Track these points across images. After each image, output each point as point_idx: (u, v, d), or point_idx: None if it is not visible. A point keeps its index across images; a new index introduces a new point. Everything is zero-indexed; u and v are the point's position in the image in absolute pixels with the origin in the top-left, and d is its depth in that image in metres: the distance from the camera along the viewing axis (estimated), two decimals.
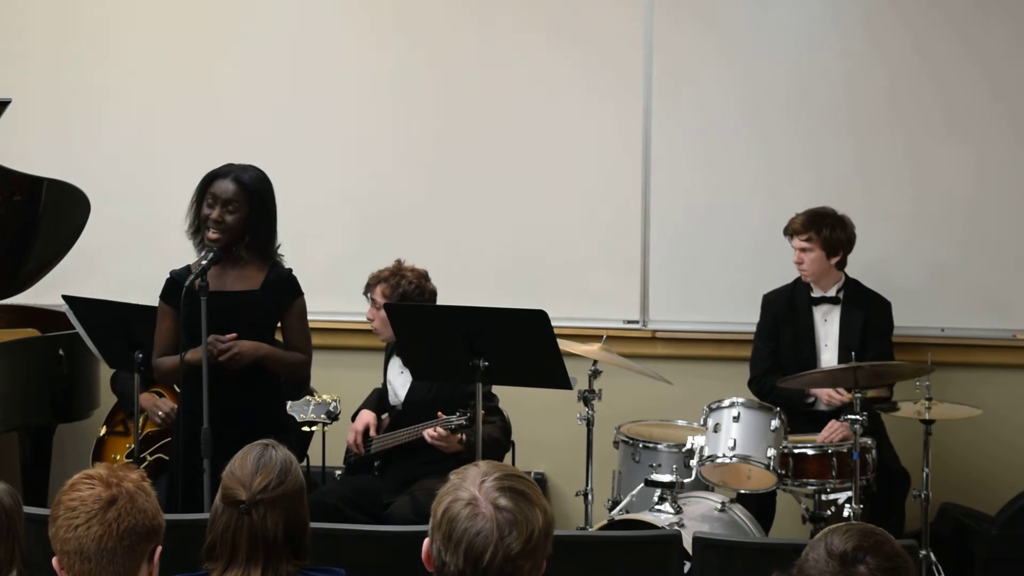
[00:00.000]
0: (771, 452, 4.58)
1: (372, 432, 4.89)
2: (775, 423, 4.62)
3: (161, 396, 5.21)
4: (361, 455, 4.88)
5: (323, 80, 5.88)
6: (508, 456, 5.06)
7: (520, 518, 2.11)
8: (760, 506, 4.89)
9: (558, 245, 5.74)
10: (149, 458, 5.15)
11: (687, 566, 3.68)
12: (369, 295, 4.91)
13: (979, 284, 5.50)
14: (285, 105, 5.89)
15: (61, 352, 5.31)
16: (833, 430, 4.79)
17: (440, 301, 4.89)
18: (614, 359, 4.84)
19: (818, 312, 5.16)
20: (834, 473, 4.68)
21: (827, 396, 4.98)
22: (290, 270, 4.27)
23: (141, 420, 5.09)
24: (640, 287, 5.71)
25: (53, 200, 5.38)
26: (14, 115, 5.11)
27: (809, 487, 4.75)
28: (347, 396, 5.12)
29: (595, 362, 4.80)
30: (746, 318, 5.38)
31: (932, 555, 4.73)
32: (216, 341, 4.09)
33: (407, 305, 4.69)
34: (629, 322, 5.71)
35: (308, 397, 4.99)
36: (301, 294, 4.28)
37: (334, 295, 5.40)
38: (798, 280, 5.20)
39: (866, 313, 5.11)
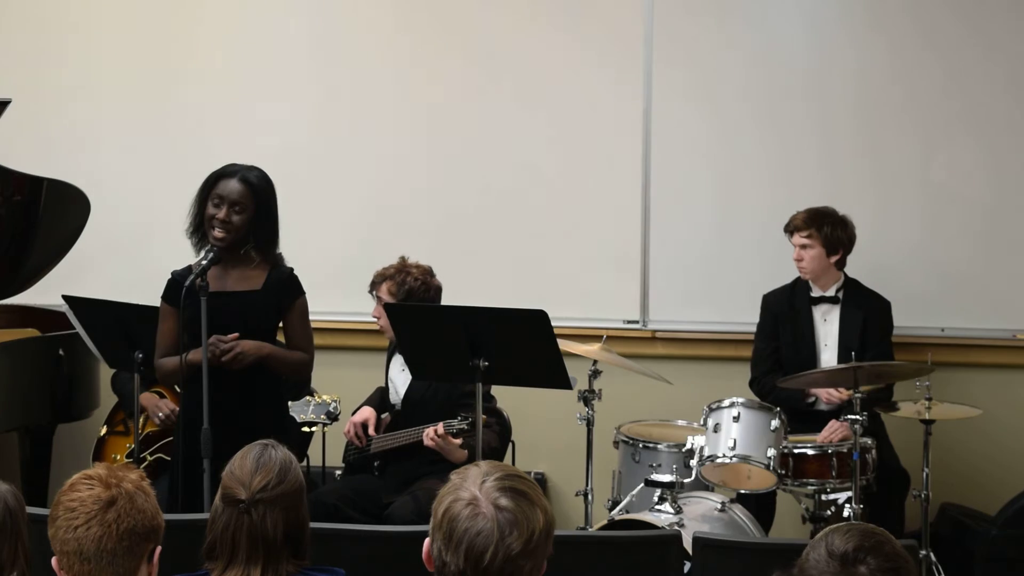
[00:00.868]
0: (771, 452, 4.58)
1: (371, 430, 4.89)
2: (775, 423, 4.62)
3: (162, 397, 5.21)
4: (360, 446, 4.87)
5: (326, 80, 5.88)
6: (508, 456, 5.07)
7: (521, 518, 2.11)
8: (760, 506, 4.89)
9: (558, 245, 5.75)
10: (149, 458, 5.15)
11: (687, 566, 3.67)
12: (375, 293, 4.91)
13: (979, 284, 5.51)
14: (288, 105, 5.89)
15: (61, 352, 5.31)
16: (833, 430, 4.79)
17: (441, 301, 4.89)
18: (614, 359, 4.84)
19: (818, 312, 5.16)
20: (834, 473, 4.68)
21: (826, 395, 4.98)
22: (291, 270, 4.27)
23: (141, 420, 5.09)
24: (640, 287, 5.72)
25: (53, 200, 5.38)
26: (14, 115, 5.11)
27: (809, 487, 4.74)
28: (348, 396, 5.13)
29: (595, 362, 4.79)
30: (746, 318, 5.39)
31: (932, 555, 4.73)
32: (218, 341, 4.09)
33: (407, 305, 4.69)
34: (629, 322, 5.71)
35: (308, 397, 4.99)
36: (303, 293, 4.27)
37: (335, 295, 5.40)
38: (798, 280, 5.20)
39: (866, 313, 5.11)
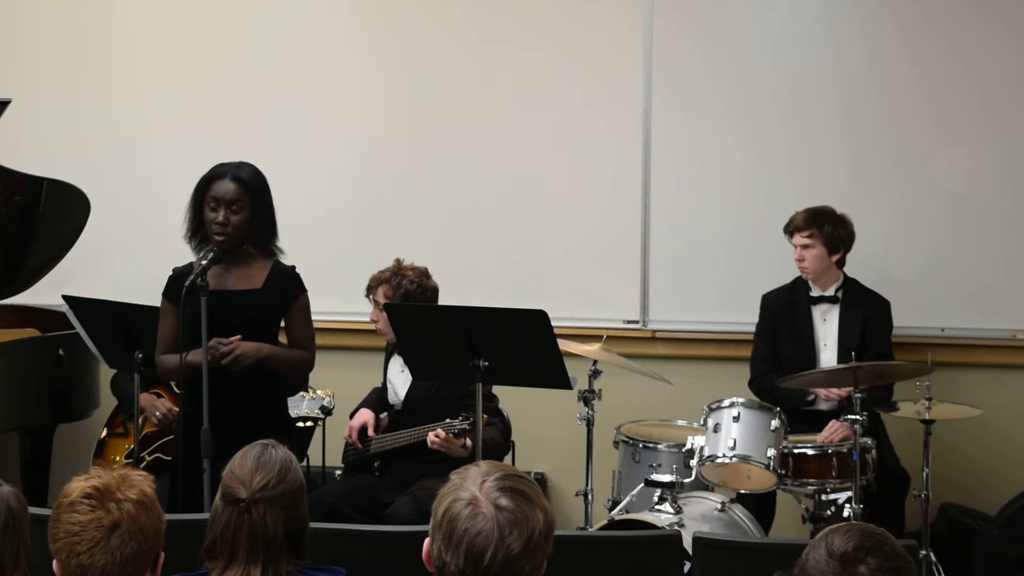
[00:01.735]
0: (771, 452, 4.58)
1: (370, 431, 4.89)
2: (775, 423, 4.62)
3: (160, 397, 5.21)
4: (359, 450, 4.88)
5: (325, 81, 5.88)
6: (508, 456, 5.07)
7: (521, 518, 2.11)
8: (760, 506, 4.89)
9: (558, 245, 5.75)
10: (148, 458, 5.15)
11: (687, 566, 3.68)
12: (371, 297, 4.91)
13: (979, 284, 5.51)
14: (287, 105, 5.89)
15: (61, 352, 5.31)
16: (833, 430, 4.79)
17: (440, 301, 4.89)
18: (614, 359, 4.84)
19: (817, 311, 5.16)
20: (834, 473, 4.68)
21: (825, 393, 4.98)
22: (293, 267, 4.26)
23: (141, 420, 5.09)
24: (640, 287, 5.72)
25: (53, 200, 5.38)
26: (15, 115, 5.11)
27: (809, 487, 4.74)
28: (346, 396, 5.13)
29: (595, 362, 4.79)
30: (746, 318, 5.39)
31: (932, 555, 4.73)
32: (218, 344, 4.08)
33: (407, 305, 4.69)
34: (629, 322, 5.71)
35: (303, 393, 5.01)
36: (304, 291, 4.26)
37: (332, 295, 5.39)
38: (797, 280, 5.20)
39: (865, 312, 5.11)
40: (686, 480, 4.59)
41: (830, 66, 5.55)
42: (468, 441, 4.58)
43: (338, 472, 5.00)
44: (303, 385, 5.03)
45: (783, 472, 4.65)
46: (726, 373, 5.50)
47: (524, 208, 5.77)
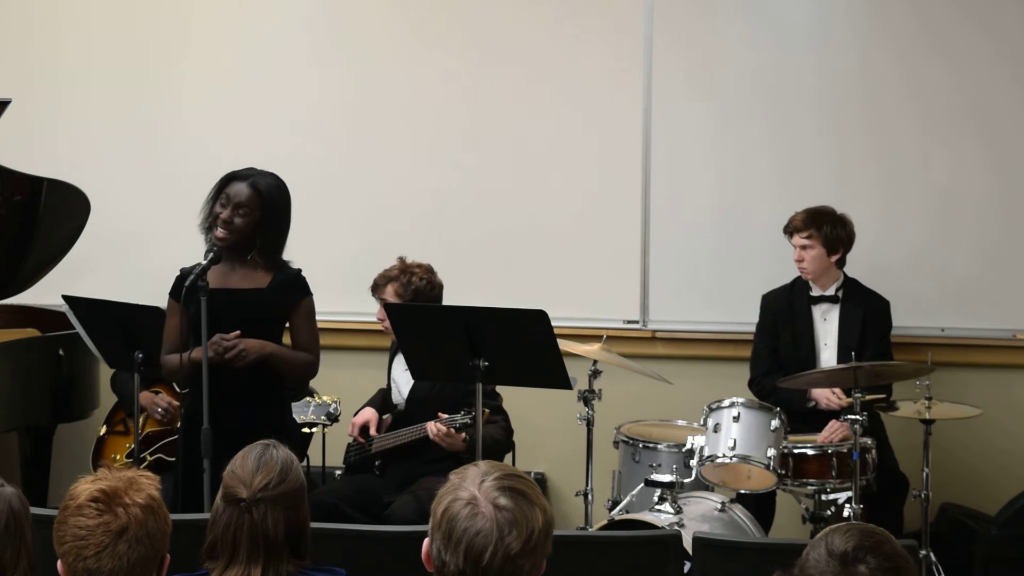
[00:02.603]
0: (771, 452, 4.58)
1: (372, 430, 4.89)
2: (775, 423, 4.62)
3: (158, 394, 5.20)
4: (361, 444, 4.88)
5: (330, 82, 5.88)
6: (508, 456, 5.07)
7: (520, 517, 2.11)
8: (760, 506, 4.89)
9: (558, 245, 5.75)
10: (149, 458, 5.16)
11: (687, 566, 3.68)
12: (378, 296, 4.91)
13: (979, 284, 5.51)
14: (290, 106, 5.90)
15: (61, 352, 5.31)
16: (833, 430, 4.79)
17: (443, 299, 4.90)
18: (614, 359, 4.84)
19: (817, 311, 5.16)
20: (834, 473, 4.68)
21: (825, 400, 4.97)
22: (299, 270, 4.25)
23: (141, 419, 5.09)
24: (640, 287, 5.72)
25: (53, 200, 5.38)
26: (15, 114, 5.12)
27: (809, 487, 4.74)
28: (350, 396, 5.13)
29: (595, 362, 4.79)
30: (746, 318, 5.39)
31: (932, 555, 4.73)
32: (221, 340, 4.09)
33: (407, 305, 4.69)
34: (629, 322, 5.71)
35: (308, 398, 4.99)
36: (309, 294, 4.26)
37: (336, 295, 5.39)
38: (797, 279, 5.20)
39: (865, 312, 5.11)
40: (686, 480, 4.59)
41: (844, 65, 5.54)
42: (467, 435, 4.58)
43: (338, 472, 5.00)
44: (307, 389, 5.02)
45: (783, 472, 4.65)
46: (726, 373, 5.50)
47: (524, 208, 5.77)
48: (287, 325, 4.29)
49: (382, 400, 5.06)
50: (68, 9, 6.04)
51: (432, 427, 4.63)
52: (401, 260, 4.93)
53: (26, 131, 5.77)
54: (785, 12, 5.62)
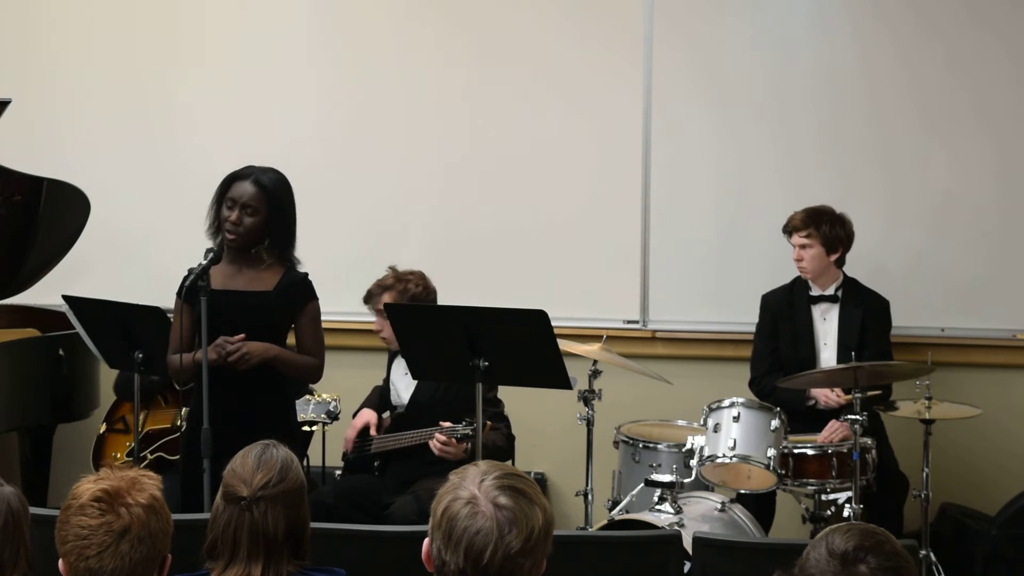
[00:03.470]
0: (771, 452, 4.58)
1: (372, 431, 4.89)
2: (775, 423, 4.62)
3: (165, 403, 5.20)
4: (358, 449, 4.87)
5: (330, 83, 5.89)
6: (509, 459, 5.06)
7: (520, 516, 2.11)
8: (760, 506, 4.89)
9: (558, 245, 5.74)
10: (150, 456, 5.16)
11: (687, 566, 3.68)
12: (372, 306, 4.90)
13: (979, 284, 5.50)
14: (289, 106, 5.90)
15: (61, 352, 5.31)
16: (833, 430, 4.79)
17: (440, 301, 4.89)
18: (614, 359, 4.84)
19: (817, 311, 5.16)
20: (834, 473, 4.68)
21: (824, 398, 4.98)
22: (306, 274, 4.27)
23: (141, 418, 5.09)
24: (640, 287, 5.72)
25: (53, 200, 5.38)
26: (15, 114, 5.11)
27: (809, 487, 4.74)
28: (348, 396, 5.13)
29: (595, 362, 4.79)
30: (746, 318, 5.39)
31: (932, 555, 4.73)
32: (225, 342, 4.09)
33: (407, 305, 4.69)
34: (629, 322, 5.71)
35: (308, 396, 5.00)
36: (315, 298, 4.27)
37: (336, 295, 5.35)
38: (796, 279, 5.20)
39: (865, 312, 5.11)
40: (686, 480, 4.59)
41: (844, 64, 5.54)
42: (469, 445, 4.58)
43: (338, 472, 4.99)
44: (307, 388, 5.02)
45: (783, 472, 4.65)
46: (726, 373, 5.50)
47: (524, 208, 5.77)
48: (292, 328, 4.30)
49: (379, 398, 5.05)
50: (69, 9, 6.04)
51: (434, 444, 4.61)
52: (393, 269, 4.92)
53: (26, 131, 5.77)
54: (785, 12, 5.62)
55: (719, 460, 4.62)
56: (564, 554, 2.39)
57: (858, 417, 4.50)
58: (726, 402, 4.70)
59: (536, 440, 5.57)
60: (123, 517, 2.38)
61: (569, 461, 5.42)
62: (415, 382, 4.80)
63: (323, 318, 4.41)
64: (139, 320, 4.46)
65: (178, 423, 5.05)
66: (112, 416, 5.41)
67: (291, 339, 4.38)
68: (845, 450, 4.65)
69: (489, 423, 4.47)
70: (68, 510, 2.43)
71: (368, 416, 4.93)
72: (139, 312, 4.49)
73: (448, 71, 5.80)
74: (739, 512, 4.61)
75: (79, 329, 4.88)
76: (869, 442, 4.69)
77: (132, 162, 5.99)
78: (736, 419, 4.64)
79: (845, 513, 4.57)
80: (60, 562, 2.43)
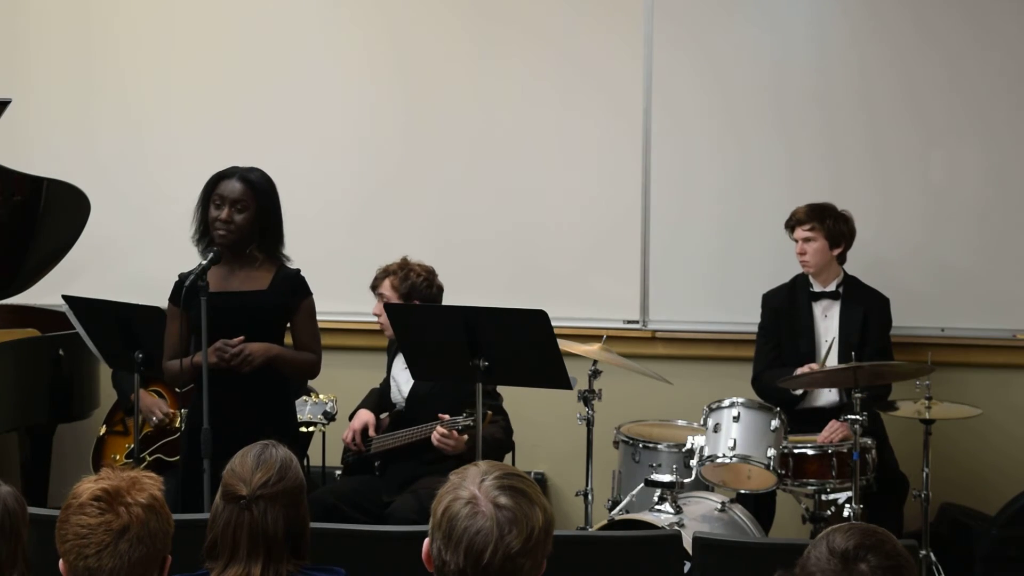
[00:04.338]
0: (771, 452, 4.58)
1: (371, 432, 4.89)
2: (775, 423, 4.62)
3: (160, 396, 5.20)
4: (360, 452, 4.87)
5: (329, 82, 5.89)
6: (508, 456, 5.06)
7: (520, 516, 2.11)
8: (760, 506, 4.89)
9: (558, 245, 5.75)
10: (148, 458, 5.15)
11: (687, 566, 3.68)
12: (376, 291, 4.90)
13: (979, 284, 5.50)
14: (291, 105, 5.90)
15: (61, 352, 5.31)
16: (833, 430, 4.79)
17: (443, 300, 4.90)
18: (614, 359, 4.84)
19: (818, 307, 5.17)
20: (834, 473, 4.68)
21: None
22: (298, 270, 4.27)
23: (141, 419, 5.09)
24: (640, 287, 5.71)
25: (53, 200, 5.38)
26: (15, 113, 5.11)
27: (809, 487, 4.75)
28: (348, 396, 5.13)
29: (595, 362, 4.79)
30: (746, 318, 5.39)
31: (932, 555, 4.73)
32: (225, 346, 4.09)
33: (407, 305, 4.70)
34: (629, 322, 5.71)
35: (305, 397, 5.00)
36: (310, 294, 4.27)
37: (334, 295, 5.38)
38: (797, 277, 5.20)
39: (865, 309, 5.12)
40: (686, 480, 4.59)
41: (844, 64, 5.54)
42: (469, 436, 4.58)
43: (338, 472, 4.99)
44: (305, 389, 5.02)
45: (783, 472, 4.65)
46: (726, 373, 5.50)
47: (524, 208, 5.77)
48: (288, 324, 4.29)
49: (377, 400, 5.05)
50: (69, 9, 6.04)
51: (434, 437, 4.61)
52: (404, 259, 4.93)
53: (26, 131, 5.77)
54: (785, 13, 5.63)
55: (719, 460, 4.62)
56: (564, 554, 2.39)
57: (858, 417, 4.50)
58: (726, 402, 4.70)
59: (536, 440, 5.57)
60: (122, 516, 2.38)
61: (569, 461, 5.42)
62: None
63: (324, 318, 4.42)
64: (139, 320, 4.46)
65: (177, 423, 5.06)
66: (112, 418, 5.41)
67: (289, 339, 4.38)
68: (845, 450, 4.65)
69: (490, 412, 4.46)
70: (68, 509, 2.43)
71: (366, 417, 4.92)
72: (139, 312, 4.50)
73: (447, 70, 5.80)
74: (739, 512, 4.61)
75: (79, 329, 4.88)
76: (869, 442, 4.69)
77: (133, 161, 5.99)
78: (736, 419, 4.64)
79: (845, 513, 4.57)
80: (60, 562, 2.43)
